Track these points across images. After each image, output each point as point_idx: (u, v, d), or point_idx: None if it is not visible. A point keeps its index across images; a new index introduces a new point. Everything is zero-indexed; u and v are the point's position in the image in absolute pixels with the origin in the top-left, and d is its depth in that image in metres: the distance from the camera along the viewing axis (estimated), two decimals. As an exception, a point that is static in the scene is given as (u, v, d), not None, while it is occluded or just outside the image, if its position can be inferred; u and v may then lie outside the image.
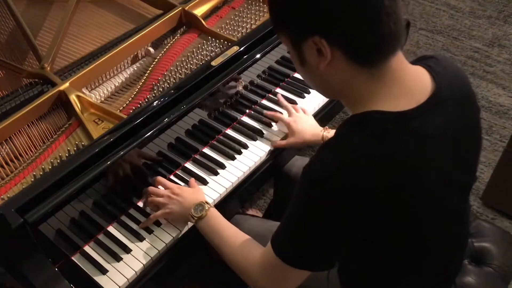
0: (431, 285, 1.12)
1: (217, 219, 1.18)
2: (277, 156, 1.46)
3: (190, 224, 1.26)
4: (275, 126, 1.50)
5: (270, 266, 1.01)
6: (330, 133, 1.41)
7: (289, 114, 1.49)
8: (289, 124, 1.44)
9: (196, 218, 1.18)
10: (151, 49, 1.52)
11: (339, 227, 0.90)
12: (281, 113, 1.52)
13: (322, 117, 1.59)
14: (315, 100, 1.59)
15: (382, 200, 0.87)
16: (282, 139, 1.46)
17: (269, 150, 1.44)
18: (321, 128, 1.43)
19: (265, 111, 1.52)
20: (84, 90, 1.41)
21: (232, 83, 1.45)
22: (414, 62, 0.94)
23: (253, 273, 1.06)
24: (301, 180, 0.91)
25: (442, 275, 1.14)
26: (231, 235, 1.15)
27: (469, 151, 1.02)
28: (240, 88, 1.49)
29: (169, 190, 1.27)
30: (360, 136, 0.87)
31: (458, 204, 1.05)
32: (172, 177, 1.37)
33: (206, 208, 1.19)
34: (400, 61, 0.88)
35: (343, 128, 0.93)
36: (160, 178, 1.31)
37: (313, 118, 1.49)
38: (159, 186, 1.31)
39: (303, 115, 1.49)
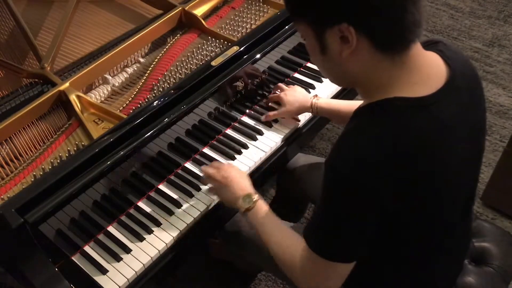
0: (436, 282, 1.13)
1: (264, 213, 1.17)
2: (277, 155, 1.46)
3: (190, 224, 1.26)
4: (275, 126, 1.50)
5: (308, 263, 1.01)
6: (319, 100, 1.45)
7: (281, 89, 1.53)
8: (280, 97, 1.49)
9: (244, 210, 1.18)
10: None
11: (369, 216, 0.92)
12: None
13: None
14: (315, 100, 1.59)
15: (406, 186, 0.88)
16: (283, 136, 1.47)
17: (269, 150, 1.44)
18: (310, 95, 1.48)
19: (263, 117, 1.51)
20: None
21: (232, 83, 1.45)
22: (424, 48, 0.94)
23: (295, 270, 1.06)
24: (327, 174, 0.93)
25: (447, 272, 1.14)
26: (277, 231, 1.14)
27: (479, 136, 1.04)
28: (240, 88, 1.49)
29: (222, 171, 1.25)
30: (382, 125, 0.88)
31: (471, 190, 1.07)
32: (172, 177, 1.37)
33: (254, 199, 1.18)
34: (418, 48, 0.90)
35: (362, 115, 0.93)
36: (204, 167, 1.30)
37: (303, 89, 1.53)
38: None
39: (293, 87, 1.53)
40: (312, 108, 1.45)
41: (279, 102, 1.51)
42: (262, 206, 1.18)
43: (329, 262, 0.97)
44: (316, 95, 1.48)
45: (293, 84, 1.62)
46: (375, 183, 0.87)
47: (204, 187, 1.34)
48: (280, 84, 1.56)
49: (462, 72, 0.95)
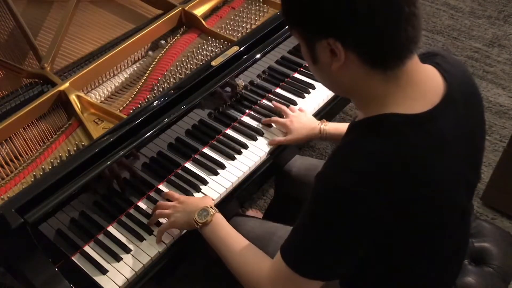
0: (433, 286, 1.13)
1: (222, 226, 1.13)
2: (277, 156, 1.46)
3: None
4: (275, 126, 1.50)
5: (281, 278, 0.97)
6: (327, 125, 1.42)
7: (285, 115, 1.49)
8: (286, 125, 1.45)
9: (200, 224, 1.14)
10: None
11: (355, 235, 0.88)
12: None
13: (322, 116, 1.59)
14: (315, 100, 1.59)
15: (399, 205, 0.86)
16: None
17: (269, 150, 1.44)
18: (318, 121, 1.44)
19: (263, 119, 1.51)
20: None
21: (232, 83, 1.45)
22: (422, 60, 0.93)
23: (261, 285, 1.02)
24: (316, 188, 0.89)
25: (445, 276, 1.14)
26: (237, 244, 1.10)
27: (477, 149, 1.02)
28: (240, 88, 1.49)
29: (176, 200, 1.24)
30: (377, 141, 0.86)
31: (465, 203, 1.05)
32: (172, 177, 1.37)
33: (211, 213, 1.14)
34: (415, 63, 0.88)
35: (356, 132, 0.91)
36: (168, 192, 1.30)
37: (309, 114, 1.51)
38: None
39: (299, 113, 1.49)
40: (321, 134, 1.41)
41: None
42: (220, 220, 1.14)
43: (303, 279, 0.93)
44: (323, 120, 1.44)
45: (293, 84, 1.63)
46: (368, 196, 0.83)
47: (204, 186, 1.34)
48: (284, 109, 1.50)
49: (458, 83, 0.93)
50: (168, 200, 1.29)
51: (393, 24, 0.80)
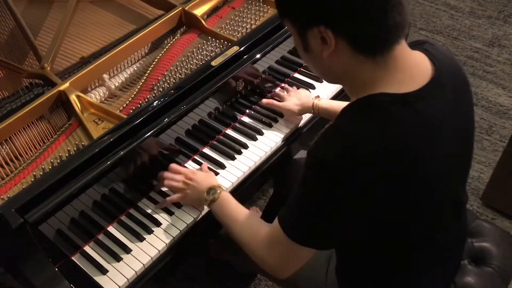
0: (430, 282, 1.13)
1: (228, 201, 1.22)
2: (277, 155, 1.46)
3: (189, 224, 1.26)
4: (275, 126, 1.50)
5: (277, 244, 1.03)
6: (321, 100, 1.47)
7: (286, 90, 1.58)
8: (283, 96, 1.53)
9: (209, 201, 1.22)
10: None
11: (344, 207, 0.92)
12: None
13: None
14: (315, 100, 1.59)
15: (387, 182, 0.89)
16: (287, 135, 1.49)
17: (269, 150, 1.44)
18: (312, 96, 1.50)
19: (263, 100, 1.55)
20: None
21: (232, 83, 1.45)
22: (411, 47, 0.95)
23: (260, 251, 1.09)
24: (307, 161, 0.94)
25: (441, 272, 1.14)
26: (240, 216, 1.17)
27: (467, 136, 1.04)
28: (240, 88, 1.49)
29: (183, 175, 1.29)
30: (367, 119, 0.89)
31: (457, 192, 1.07)
32: (172, 177, 1.37)
33: (218, 191, 1.22)
34: (403, 49, 0.91)
35: (348, 111, 0.94)
36: (174, 165, 1.33)
37: (306, 91, 1.57)
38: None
39: (296, 89, 1.57)
40: (313, 109, 1.47)
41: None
42: (226, 196, 1.23)
43: (297, 246, 0.99)
44: (317, 96, 1.50)
45: (293, 84, 1.63)
46: (357, 171, 0.87)
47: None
48: (285, 85, 1.60)
49: (447, 70, 0.95)
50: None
51: (380, 11, 0.83)
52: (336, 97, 1.62)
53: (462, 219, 1.16)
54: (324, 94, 1.59)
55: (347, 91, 0.99)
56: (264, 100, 1.52)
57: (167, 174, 1.31)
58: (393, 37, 0.87)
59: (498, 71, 2.73)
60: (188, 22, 1.62)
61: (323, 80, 1.64)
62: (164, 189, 1.33)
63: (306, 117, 1.53)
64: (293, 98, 1.50)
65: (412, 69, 0.92)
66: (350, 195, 0.90)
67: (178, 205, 1.30)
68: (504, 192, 1.98)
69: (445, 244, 1.10)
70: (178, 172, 1.31)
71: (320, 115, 1.50)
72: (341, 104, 1.42)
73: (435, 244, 1.06)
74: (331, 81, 1.03)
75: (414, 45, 0.98)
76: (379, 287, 1.12)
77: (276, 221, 1.04)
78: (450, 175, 1.00)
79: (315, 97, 1.49)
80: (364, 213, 0.93)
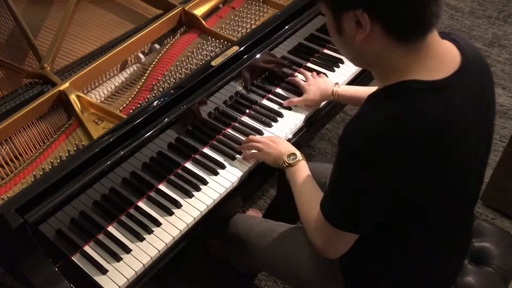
0: (434, 277, 1.15)
1: (302, 171, 1.26)
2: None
3: (190, 224, 1.26)
4: (275, 126, 1.50)
5: (321, 228, 1.09)
6: (340, 87, 1.50)
7: (306, 79, 1.59)
8: (303, 87, 1.54)
9: (287, 164, 1.27)
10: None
11: (377, 192, 0.95)
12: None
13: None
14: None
15: (415, 165, 0.91)
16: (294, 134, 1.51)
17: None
18: (332, 83, 1.53)
19: (288, 78, 1.60)
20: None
21: (232, 83, 1.45)
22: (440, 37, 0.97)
23: (310, 229, 1.15)
24: (339, 150, 0.97)
25: (446, 268, 1.16)
26: (306, 191, 1.21)
27: (489, 124, 1.06)
28: (240, 88, 1.49)
29: (267, 137, 1.37)
30: (396, 106, 0.90)
31: (477, 181, 1.10)
32: (172, 177, 1.37)
33: (299, 158, 1.28)
34: (435, 37, 0.92)
35: (377, 97, 0.96)
36: (251, 137, 1.40)
37: (324, 77, 1.60)
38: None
39: (317, 77, 1.58)
40: (333, 95, 1.50)
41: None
42: (303, 165, 1.27)
43: (338, 231, 1.04)
44: (337, 83, 1.53)
45: (293, 84, 1.63)
46: (385, 158, 0.89)
47: (204, 186, 1.34)
48: (303, 70, 1.62)
49: (473, 59, 0.97)
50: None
51: None
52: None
53: (471, 218, 1.18)
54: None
55: (376, 76, 1.00)
56: (285, 103, 1.54)
57: (252, 137, 1.39)
58: (428, 25, 0.88)
59: (498, 71, 2.73)
60: (188, 22, 1.62)
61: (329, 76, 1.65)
62: (164, 189, 1.33)
63: (306, 117, 1.53)
64: (312, 88, 1.52)
65: (442, 57, 0.93)
66: (381, 181, 0.93)
67: (178, 205, 1.30)
68: (504, 192, 1.98)
69: (455, 239, 1.12)
70: (257, 141, 1.37)
71: (339, 102, 1.53)
72: (362, 90, 1.45)
73: (446, 237, 1.09)
74: (360, 65, 1.07)
75: (442, 35, 0.99)
76: (385, 272, 1.15)
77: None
78: (474, 159, 1.02)
79: (334, 84, 1.51)
80: (394, 198, 0.96)
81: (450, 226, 1.08)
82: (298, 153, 1.29)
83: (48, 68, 1.40)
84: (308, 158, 1.60)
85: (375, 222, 1.03)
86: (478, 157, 1.04)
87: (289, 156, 1.28)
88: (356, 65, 1.06)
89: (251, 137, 1.40)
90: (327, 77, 1.64)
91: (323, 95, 1.51)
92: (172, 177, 1.37)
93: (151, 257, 1.20)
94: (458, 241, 1.16)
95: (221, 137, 1.47)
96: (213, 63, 1.39)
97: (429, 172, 0.93)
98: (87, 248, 1.21)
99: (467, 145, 0.97)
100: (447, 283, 1.21)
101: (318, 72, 1.65)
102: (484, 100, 1.01)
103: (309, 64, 1.70)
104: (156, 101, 1.30)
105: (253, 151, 1.37)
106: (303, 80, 1.59)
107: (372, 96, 0.97)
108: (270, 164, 1.34)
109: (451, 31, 2.95)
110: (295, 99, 1.54)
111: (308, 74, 1.60)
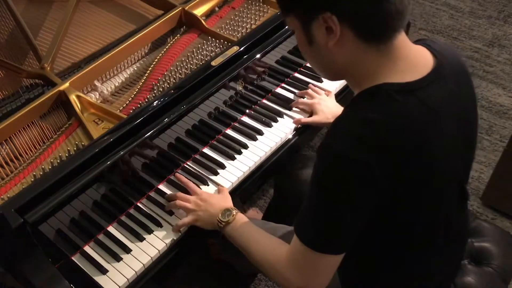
0: (432, 280, 1.14)
1: (244, 224, 1.18)
2: (277, 155, 1.46)
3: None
4: (275, 126, 1.50)
5: (298, 258, 1.00)
6: None
7: (311, 97, 1.55)
8: (313, 105, 1.51)
9: (224, 224, 1.18)
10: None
11: (361, 201, 0.92)
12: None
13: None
14: (315, 100, 1.59)
15: (397, 166, 0.90)
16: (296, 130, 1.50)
17: (269, 150, 1.44)
18: (342, 108, 1.48)
19: (293, 103, 1.55)
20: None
21: (232, 83, 1.45)
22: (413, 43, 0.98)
23: (283, 270, 1.04)
24: (319, 156, 0.93)
25: (443, 270, 1.15)
26: (257, 238, 1.14)
27: (470, 127, 1.06)
28: (240, 88, 1.49)
29: (196, 196, 1.27)
30: (372, 108, 0.90)
31: (462, 177, 1.08)
32: (172, 177, 1.37)
33: (234, 213, 1.19)
34: (404, 39, 0.93)
35: (354, 102, 0.96)
36: (187, 182, 1.31)
37: (334, 99, 1.56)
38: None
39: (325, 96, 1.55)
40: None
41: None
42: (242, 218, 1.19)
43: (319, 255, 0.97)
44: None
45: (293, 84, 1.63)
46: (368, 160, 0.87)
47: (204, 186, 1.34)
48: (310, 91, 1.57)
49: (449, 63, 0.97)
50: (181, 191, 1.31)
51: None
52: (336, 97, 1.62)
53: (464, 217, 1.17)
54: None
55: (351, 84, 1.00)
56: (295, 121, 1.50)
57: (180, 194, 1.29)
58: (395, 23, 0.89)
59: (498, 71, 2.73)
60: (188, 22, 1.62)
61: (323, 80, 1.64)
62: (164, 189, 1.33)
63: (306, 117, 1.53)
64: (323, 109, 1.48)
65: (414, 59, 0.94)
66: (365, 183, 0.90)
67: (178, 205, 1.30)
68: (504, 192, 1.98)
69: (449, 240, 1.11)
70: (193, 192, 1.29)
71: None
72: None
73: (439, 238, 1.07)
74: (333, 76, 1.03)
75: (415, 42, 1.00)
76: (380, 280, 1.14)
77: (294, 236, 1.01)
78: (455, 161, 1.01)
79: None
80: (380, 204, 0.93)
81: (443, 227, 1.06)
82: (231, 207, 1.21)
83: (48, 68, 1.40)
84: (309, 157, 1.60)
85: (355, 237, 0.97)
86: (460, 158, 1.03)
87: (223, 214, 1.19)
88: (329, 77, 1.04)
89: (178, 194, 1.29)
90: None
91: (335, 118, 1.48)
92: (172, 177, 1.37)
93: (151, 257, 1.20)
94: (454, 242, 1.15)
95: (221, 137, 1.47)
96: (213, 63, 1.39)
97: (410, 172, 0.92)
98: (87, 248, 1.21)
99: (444, 144, 0.95)
100: (446, 283, 1.21)
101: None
102: (461, 102, 1.00)
103: (309, 64, 1.70)
104: (156, 101, 1.30)
105: (184, 217, 1.25)
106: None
107: (349, 103, 0.97)
108: (203, 227, 1.24)
109: (451, 31, 2.96)
110: (304, 119, 1.50)
111: (313, 93, 1.56)
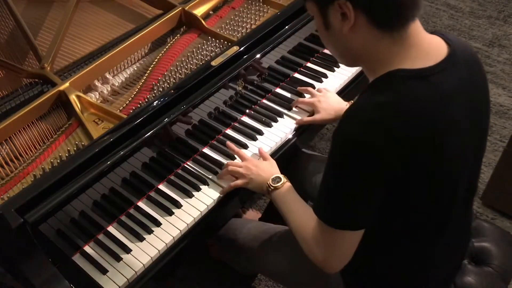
0: (435, 276, 1.14)
1: (289, 192, 1.22)
2: (277, 155, 1.46)
3: (190, 224, 1.26)
4: (275, 126, 1.50)
5: (318, 235, 1.06)
6: None
7: (312, 95, 1.54)
8: (314, 104, 1.50)
9: (272, 188, 1.23)
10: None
11: (375, 180, 0.95)
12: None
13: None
14: (315, 100, 1.59)
15: (409, 150, 0.92)
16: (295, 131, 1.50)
17: (269, 150, 1.44)
18: (345, 102, 1.50)
19: (293, 103, 1.55)
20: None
21: (232, 83, 1.45)
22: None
23: (308, 244, 1.10)
24: (334, 142, 0.97)
25: (445, 266, 1.15)
26: (296, 208, 1.19)
27: (482, 117, 1.07)
28: (240, 88, 1.49)
29: (247, 161, 1.32)
30: (384, 94, 0.92)
31: (472, 172, 1.10)
32: (172, 177, 1.37)
33: (284, 181, 1.24)
34: (418, 27, 0.95)
35: (368, 89, 0.98)
36: (240, 152, 1.36)
37: (336, 94, 1.56)
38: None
39: (326, 92, 1.54)
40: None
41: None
42: (289, 187, 1.24)
43: (336, 231, 1.01)
44: (351, 101, 1.48)
45: (293, 85, 1.63)
46: (382, 143, 0.90)
47: (204, 186, 1.34)
48: (310, 89, 1.56)
49: (462, 52, 0.99)
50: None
51: None
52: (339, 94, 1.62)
53: (469, 214, 1.18)
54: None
55: (366, 71, 1.02)
56: (297, 122, 1.50)
57: (230, 161, 1.35)
58: (409, 12, 0.91)
59: (498, 71, 2.73)
60: (188, 22, 1.62)
61: (323, 80, 1.64)
62: (164, 189, 1.33)
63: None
64: (324, 106, 1.49)
65: (427, 47, 0.96)
66: (375, 165, 0.93)
67: (178, 205, 1.30)
68: (504, 192, 1.98)
69: (452, 238, 1.12)
70: (242, 158, 1.34)
71: None
72: None
73: (444, 233, 1.09)
74: (350, 62, 1.06)
75: (429, 32, 1.01)
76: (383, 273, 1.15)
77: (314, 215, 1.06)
78: (466, 149, 1.02)
79: (348, 102, 1.48)
80: (393, 186, 0.95)
81: (448, 220, 1.07)
82: (281, 175, 1.26)
83: (48, 68, 1.40)
84: (308, 158, 1.60)
85: (372, 216, 1.01)
86: (472, 148, 1.04)
87: (274, 180, 1.24)
88: (344, 62, 1.07)
89: (229, 162, 1.36)
90: (327, 77, 1.64)
91: (337, 115, 1.47)
92: (172, 177, 1.37)
93: (151, 257, 1.20)
94: (458, 238, 1.16)
95: (221, 137, 1.47)
96: (213, 63, 1.39)
97: (421, 156, 0.94)
98: (87, 248, 1.21)
99: (457, 130, 0.97)
100: (446, 281, 1.21)
101: (319, 73, 1.65)
102: (474, 90, 1.01)
103: (309, 64, 1.70)
104: (156, 101, 1.30)
105: (235, 181, 1.31)
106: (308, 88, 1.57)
107: (363, 90, 1.00)
108: (252, 190, 1.30)
109: (451, 31, 2.96)
110: (306, 118, 1.50)
111: (313, 90, 1.55)
